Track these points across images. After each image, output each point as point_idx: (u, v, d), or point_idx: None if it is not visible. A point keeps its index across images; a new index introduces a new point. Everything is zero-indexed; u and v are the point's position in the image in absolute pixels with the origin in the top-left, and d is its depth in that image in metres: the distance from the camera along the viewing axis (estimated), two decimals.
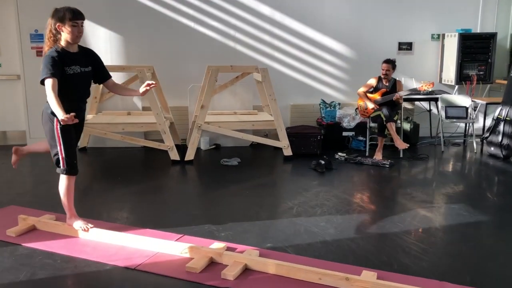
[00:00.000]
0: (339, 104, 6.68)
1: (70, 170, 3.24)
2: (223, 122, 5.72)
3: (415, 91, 5.82)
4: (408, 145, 5.67)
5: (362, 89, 6.05)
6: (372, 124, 6.06)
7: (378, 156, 5.73)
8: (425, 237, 3.40)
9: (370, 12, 6.84)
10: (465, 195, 4.54)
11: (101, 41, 6.40)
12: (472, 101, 6.42)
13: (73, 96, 3.15)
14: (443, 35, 6.98)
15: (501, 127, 5.75)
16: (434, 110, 6.98)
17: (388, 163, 5.46)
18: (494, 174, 5.39)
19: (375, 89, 5.93)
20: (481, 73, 6.77)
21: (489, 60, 6.77)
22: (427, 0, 6.89)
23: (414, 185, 4.80)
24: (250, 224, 3.64)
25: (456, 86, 6.86)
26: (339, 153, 5.86)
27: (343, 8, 6.80)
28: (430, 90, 5.66)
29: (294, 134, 6.00)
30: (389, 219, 3.76)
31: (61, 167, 3.21)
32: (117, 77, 6.05)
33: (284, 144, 5.73)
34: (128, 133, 5.75)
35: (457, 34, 6.68)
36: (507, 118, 5.71)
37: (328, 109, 6.53)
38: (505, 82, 6.88)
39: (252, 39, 6.68)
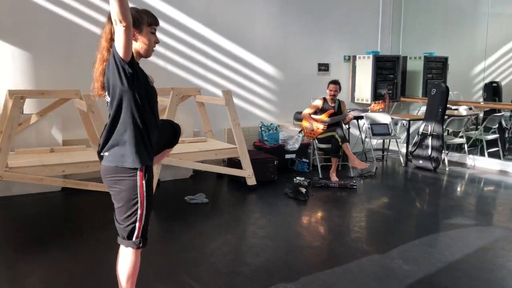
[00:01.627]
0: (278, 126, 6.47)
1: (144, 241, 2.32)
2: (183, 153, 4.95)
3: (366, 111, 6.00)
4: (368, 164, 5.80)
5: (307, 111, 5.98)
6: (323, 146, 6.01)
7: (333, 177, 5.69)
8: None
9: (294, 34, 6.85)
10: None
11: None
12: (392, 118, 6.93)
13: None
14: (354, 56, 7.40)
15: (428, 141, 6.32)
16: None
17: (355, 183, 5.47)
18: (440, 182, 5.88)
19: (322, 110, 5.91)
20: (390, 92, 7.37)
21: (395, 80, 7.43)
22: (338, 24, 7.22)
23: (402, 201, 4.92)
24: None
25: (372, 104, 7.32)
26: (298, 178, 5.64)
27: (270, 29, 6.65)
28: (381, 109, 5.89)
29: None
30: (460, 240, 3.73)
31: (134, 239, 2.28)
32: (32, 104, 4.79)
33: (248, 173, 5.25)
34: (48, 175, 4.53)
35: (371, 56, 7.15)
36: (433, 133, 6.30)
37: (271, 132, 6.26)
38: (409, 99, 7.65)
39: (184, 58, 6.01)
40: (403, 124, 7.24)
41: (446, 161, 6.47)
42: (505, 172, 6.25)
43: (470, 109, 7.40)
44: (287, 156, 6.21)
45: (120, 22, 1.94)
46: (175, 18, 5.87)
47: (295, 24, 6.84)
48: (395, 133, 6.94)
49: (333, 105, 5.92)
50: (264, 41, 6.60)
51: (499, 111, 6.94)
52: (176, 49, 5.94)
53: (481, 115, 6.79)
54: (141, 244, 2.29)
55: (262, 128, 6.31)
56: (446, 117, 6.42)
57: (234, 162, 5.54)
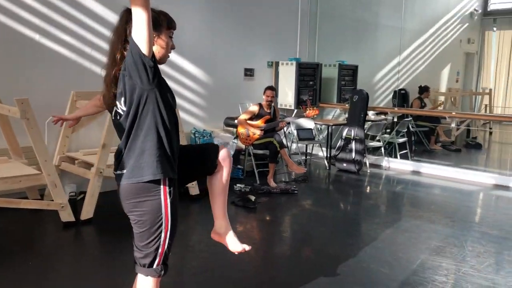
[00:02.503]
0: (212, 132, 6.30)
1: (166, 268, 2.06)
2: None
3: (301, 117, 6.10)
4: (305, 169, 5.89)
5: (243, 116, 5.92)
6: (260, 151, 5.98)
7: (271, 182, 5.70)
8: None
9: (221, 38, 6.74)
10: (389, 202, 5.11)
11: None
12: (315, 123, 7.17)
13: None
14: (277, 62, 7.51)
15: (352, 145, 6.66)
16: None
17: (296, 188, 5.53)
18: (370, 183, 6.21)
19: (258, 116, 5.90)
20: (310, 98, 7.62)
21: (315, 87, 7.70)
22: (262, 30, 7.28)
23: (341, 203, 5.08)
24: None
25: (295, 110, 7.50)
26: (238, 185, 5.55)
27: (200, 33, 6.45)
28: (315, 115, 6.04)
29: None
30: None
31: (155, 266, 2.01)
32: None
33: (192, 183, 5.00)
34: None
35: (294, 62, 7.32)
36: (356, 137, 6.65)
37: (205, 138, 6.07)
38: (327, 105, 7.99)
39: None
40: (319, 128, 7.55)
41: (367, 164, 6.87)
42: (418, 172, 6.83)
43: (378, 114, 7.99)
44: None
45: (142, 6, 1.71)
46: (103, 15, 5.40)
47: (223, 29, 6.74)
48: (319, 138, 7.20)
49: (269, 111, 5.94)
50: (193, 45, 6.39)
51: (407, 116, 7.57)
52: (104, 50, 5.45)
53: (395, 119, 7.33)
54: (162, 272, 2.04)
55: (196, 134, 6.09)
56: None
57: None
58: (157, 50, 1.96)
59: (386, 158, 7.17)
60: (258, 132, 5.81)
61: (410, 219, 4.62)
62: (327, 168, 6.92)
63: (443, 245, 3.89)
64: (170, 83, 6.22)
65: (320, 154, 7.58)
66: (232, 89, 6.96)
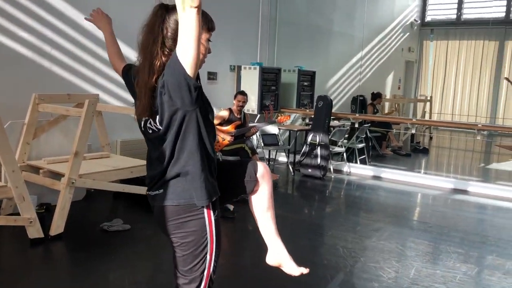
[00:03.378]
0: None
1: None
2: (95, 173, 4.20)
3: (272, 123, 5.99)
4: (278, 175, 5.78)
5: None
6: (230, 158, 5.79)
7: None
8: None
9: None
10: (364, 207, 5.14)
11: None
12: (279, 128, 7.11)
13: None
14: (239, 66, 7.37)
15: (317, 151, 6.66)
16: None
17: None
18: (337, 188, 6.23)
19: (228, 121, 5.73)
20: (272, 103, 7.55)
21: (277, 92, 7.64)
22: (224, 34, 7.11)
23: (326, 204, 5.04)
24: None
25: (258, 115, 7.39)
26: None
27: None
28: (287, 121, 5.95)
29: None
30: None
31: None
32: None
33: None
34: None
35: (257, 67, 7.21)
36: (321, 143, 6.67)
37: None
38: (288, 110, 7.97)
39: (74, 59, 5.13)
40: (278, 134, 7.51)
41: (332, 169, 6.91)
42: (379, 177, 6.97)
43: (336, 119, 8.09)
44: None
45: (191, 1, 1.45)
46: (63, 11, 4.98)
47: None
48: (283, 143, 7.14)
49: (239, 116, 5.78)
50: None
51: (366, 122, 7.73)
52: (65, 49, 5.04)
53: (356, 125, 7.44)
54: None
55: None
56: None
57: (138, 180, 4.90)
58: None
59: (347, 163, 7.25)
60: (228, 138, 5.64)
61: (389, 226, 4.66)
62: (292, 173, 6.87)
63: (430, 251, 3.95)
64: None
65: (282, 159, 7.54)
66: None
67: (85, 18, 2.33)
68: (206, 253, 1.77)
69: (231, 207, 4.73)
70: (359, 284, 3.23)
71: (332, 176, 6.82)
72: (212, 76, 6.98)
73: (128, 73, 1.96)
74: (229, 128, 5.70)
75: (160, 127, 1.67)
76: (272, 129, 6.99)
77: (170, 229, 1.76)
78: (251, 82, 7.27)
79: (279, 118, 5.85)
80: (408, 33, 13.29)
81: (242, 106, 5.76)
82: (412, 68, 14.08)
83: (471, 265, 3.68)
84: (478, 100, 13.73)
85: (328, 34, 9.69)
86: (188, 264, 1.77)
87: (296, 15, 8.72)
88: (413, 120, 7.77)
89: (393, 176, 6.94)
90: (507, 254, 3.96)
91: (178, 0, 1.48)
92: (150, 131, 1.73)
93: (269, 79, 7.47)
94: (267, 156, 7.35)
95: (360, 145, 7.59)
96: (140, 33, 1.73)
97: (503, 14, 13.32)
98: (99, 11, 2.24)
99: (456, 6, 13.88)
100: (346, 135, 7.41)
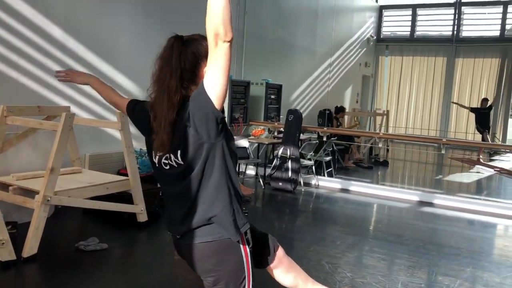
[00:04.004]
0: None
1: None
2: (70, 189, 3.98)
3: (248, 136, 5.94)
4: (253, 190, 5.72)
5: None
6: None
7: None
8: None
9: (155, 53, 6.33)
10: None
11: None
12: (249, 141, 7.07)
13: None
14: None
15: (288, 164, 6.68)
16: None
17: (245, 209, 5.35)
18: (309, 201, 6.24)
19: None
20: (242, 115, 7.51)
21: (246, 105, 7.61)
22: None
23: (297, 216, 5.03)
24: None
25: (245, 128, 7.31)
26: None
27: (134, 44, 6.00)
28: (261, 135, 5.93)
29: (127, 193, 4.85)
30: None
31: None
32: None
33: (140, 208, 4.57)
34: None
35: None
36: (292, 156, 6.69)
37: (143, 158, 5.60)
38: (256, 123, 7.96)
39: (41, 69, 4.88)
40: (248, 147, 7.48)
41: (302, 182, 6.94)
42: (347, 190, 7.08)
43: (302, 133, 8.16)
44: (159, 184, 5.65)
45: (225, 35, 1.45)
46: (30, 18, 4.73)
47: (157, 41, 6.34)
48: (253, 157, 7.11)
49: None
50: (127, 57, 5.91)
51: (333, 136, 7.84)
52: (33, 58, 4.78)
53: (325, 139, 7.52)
54: None
55: (135, 154, 5.59)
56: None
57: (113, 196, 4.71)
58: None
59: (315, 176, 7.31)
60: None
61: (368, 239, 4.72)
62: (263, 187, 6.84)
63: (412, 265, 4.01)
64: (101, 99, 5.66)
65: (250, 172, 7.50)
66: None
67: (59, 80, 2.26)
68: (245, 278, 1.73)
69: None
70: None
71: (302, 190, 6.84)
72: None
73: (135, 109, 1.89)
74: None
75: (182, 162, 1.60)
76: (242, 142, 6.95)
77: (207, 268, 1.69)
78: None
79: (254, 131, 5.82)
80: (365, 49, 13.71)
81: None
82: (369, 82, 14.51)
83: (452, 277, 3.77)
84: (431, 114, 14.32)
85: (292, 48, 9.81)
86: None
87: (263, 29, 8.76)
88: (380, 134, 7.96)
89: (360, 189, 7.06)
90: (482, 266, 4.10)
91: (210, 35, 1.46)
92: (167, 167, 1.66)
93: (239, 92, 7.44)
94: (243, 170, 7.30)
95: (328, 158, 7.68)
96: (155, 66, 1.68)
97: (451, 33, 14.02)
98: (68, 71, 2.19)
99: (409, 23, 14.48)
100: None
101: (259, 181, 6.99)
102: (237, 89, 7.39)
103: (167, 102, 1.60)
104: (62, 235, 4.32)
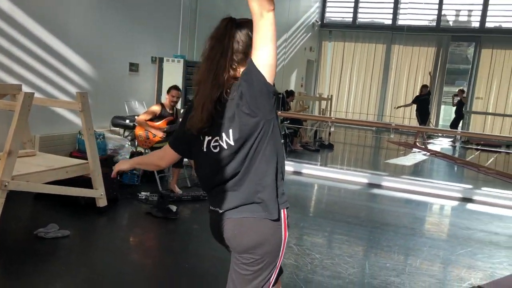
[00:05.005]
0: (104, 133, 5.58)
1: None
2: (28, 174, 3.73)
3: None
4: None
5: (143, 117, 5.44)
6: None
7: (175, 188, 5.35)
8: None
9: (109, 28, 6.05)
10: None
11: None
12: None
13: None
14: (161, 58, 7.07)
15: None
16: None
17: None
18: None
19: (160, 117, 5.48)
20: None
21: None
22: (146, 24, 6.77)
23: None
24: None
25: (182, 111, 7.15)
26: (143, 193, 5.07)
27: (87, 19, 5.68)
28: None
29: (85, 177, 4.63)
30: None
31: None
32: None
33: (100, 192, 4.38)
34: None
35: (181, 60, 6.98)
36: None
37: (98, 140, 5.35)
38: None
39: None
40: None
41: None
42: (299, 173, 7.21)
43: None
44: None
45: (269, 4, 1.45)
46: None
47: (110, 17, 6.05)
48: None
49: (171, 112, 5.55)
50: (79, 33, 5.59)
51: (285, 119, 7.92)
52: None
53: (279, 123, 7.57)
54: None
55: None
56: None
57: (68, 180, 4.46)
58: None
59: None
60: (160, 134, 5.39)
61: (328, 221, 4.85)
62: None
63: (374, 246, 4.19)
64: (52, 75, 5.53)
65: None
66: (117, 85, 6.32)
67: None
68: (274, 267, 1.73)
69: (174, 208, 4.55)
70: (325, 282, 3.32)
71: None
72: (133, 67, 6.61)
73: (181, 143, 1.82)
74: (160, 123, 5.46)
75: (233, 143, 1.59)
76: None
77: (247, 245, 1.67)
78: (174, 76, 7.02)
79: None
80: (310, 33, 13.89)
81: (176, 102, 5.54)
82: (313, 67, 14.76)
83: (413, 257, 3.98)
84: (370, 99, 14.88)
85: None
86: (254, 279, 1.69)
87: (215, 8, 8.59)
88: (333, 118, 8.15)
89: (312, 171, 7.21)
90: (437, 245, 4.36)
91: (254, 7, 1.45)
92: (216, 150, 1.63)
93: (192, 73, 7.27)
94: None
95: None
96: (205, 45, 1.68)
97: (390, 21, 14.57)
98: (114, 173, 2.09)
99: (352, 10, 14.84)
100: None
101: None
102: (191, 70, 7.22)
103: (212, 81, 1.59)
104: (17, 223, 4.05)
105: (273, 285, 1.75)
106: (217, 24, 1.67)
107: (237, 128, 1.57)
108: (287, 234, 1.72)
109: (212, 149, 1.64)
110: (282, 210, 1.69)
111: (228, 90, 1.59)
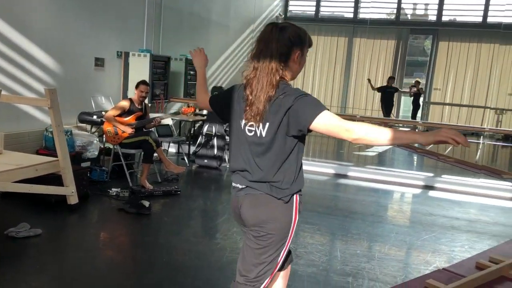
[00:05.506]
0: (71, 130, 5.48)
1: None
2: (0, 172, 3.66)
3: (177, 114, 5.81)
4: (184, 168, 5.65)
5: (111, 113, 5.39)
6: (132, 151, 5.50)
7: (146, 184, 5.34)
8: None
9: (73, 22, 5.92)
10: None
11: None
12: (172, 119, 6.96)
13: None
14: (126, 53, 6.98)
15: (214, 141, 6.71)
16: None
17: (178, 188, 5.29)
18: (224, 178, 6.34)
19: (128, 112, 5.45)
20: (163, 92, 7.33)
21: (166, 81, 7.43)
22: (111, 17, 6.67)
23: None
24: None
25: (149, 105, 7.09)
26: (113, 189, 5.03)
27: (50, 13, 5.54)
28: (191, 113, 5.84)
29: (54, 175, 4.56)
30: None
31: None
32: None
33: (71, 190, 4.34)
34: None
35: (148, 54, 6.92)
36: (218, 134, 6.73)
37: (66, 137, 5.25)
38: (177, 100, 7.83)
39: None
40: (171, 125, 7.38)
41: (227, 159, 7.02)
42: None
43: None
44: (83, 164, 5.39)
45: (352, 140, 1.80)
46: None
47: (74, 13, 5.92)
48: (177, 135, 7.01)
49: (140, 107, 5.52)
50: (44, 27, 5.45)
51: None
52: None
53: None
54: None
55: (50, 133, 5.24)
56: None
57: (37, 178, 4.39)
58: (297, 68, 1.96)
59: None
60: (128, 130, 5.36)
61: (302, 212, 4.96)
62: (187, 165, 6.81)
63: (344, 234, 4.34)
64: (16, 72, 5.41)
65: (172, 150, 7.41)
66: (83, 81, 6.21)
67: (190, 51, 2.42)
68: (282, 246, 1.94)
69: (147, 204, 4.56)
70: (300, 270, 3.42)
71: (227, 166, 6.93)
72: (99, 62, 6.50)
73: (217, 102, 2.12)
74: (129, 119, 5.42)
75: (264, 135, 1.84)
76: (166, 120, 6.81)
77: (260, 218, 1.89)
78: (140, 70, 6.95)
79: (184, 109, 5.74)
80: None
81: (145, 97, 5.51)
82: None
83: (381, 243, 4.15)
84: (333, 92, 15.15)
85: (208, 23, 9.71)
86: (261, 254, 1.90)
87: (180, 2, 8.54)
88: None
89: None
90: (403, 231, 4.56)
91: (345, 133, 1.79)
92: (251, 133, 1.88)
93: (159, 68, 7.24)
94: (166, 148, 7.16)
95: None
96: (254, 47, 1.91)
97: (352, 15, 14.86)
98: (202, 50, 2.34)
99: (314, 3, 15.02)
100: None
101: (183, 159, 6.94)
102: (157, 64, 7.18)
103: (268, 81, 1.82)
104: None
105: (281, 269, 1.97)
106: (263, 28, 1.91)
107: (272, 126, 1.83)
108: (297, 218, 1.95)
109: (248, 132, 1.88)
110: (295, 195, 1.92)
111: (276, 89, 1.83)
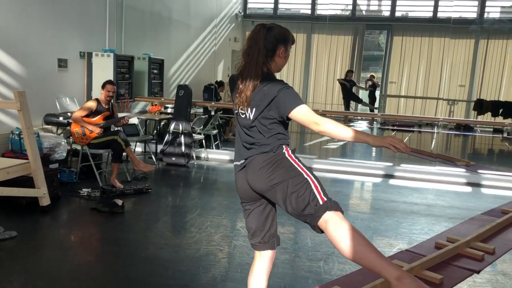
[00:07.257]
0: (39, 132, 5.44)
1: (335, 202, 2.20)
2: None
3: (144, 113, 5.86)
4: (154, 166, 5.71)
5: (79, 113, 5.41)
6: (101, 151, 5.52)
7: (116, 183, 5.39)
8: None
9: (35, 22, 5.86)
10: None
11: None
12: (138, 118, 6.98)
13: None
14: (90, 53, 6.95)
15: (181, 139, 6.80)
16: None
17: (149, 186, 5.36)
18: (209, 174, 6.46)
19: (96, 113, 5.47)
20: (127, 91, 7.34)
21: (131, 80, 7.44)
22: (73, 17, 6.63)
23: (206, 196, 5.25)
24: None
25: (130, 104, 7.09)
26: (84, 189, 5.06)
27: (10, 13, 5.46)
28: (158, 111, 5.90)
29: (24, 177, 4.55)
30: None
31: (321, 203, 2.14)
32: None
33: (43, 191, 4.35)
34: None
35: (111, 54, 6.91)
36: (184, 131, 6.82)
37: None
38: (142, 99, 7.86)
39: None
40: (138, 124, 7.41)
41: (194, 156, 7.12)
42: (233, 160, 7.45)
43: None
44: (51, 166, 5.36)
45: (318, 131, 2.15)
46: None
47: (35, 13, 5.86)
48: (143, 134, 7.04)
49: (107, 107, 5.55)
50: (4, 27, 5.38)
51: (219, 110, 8.12)
52: None
53: (213, 113, 7.76)
54: (333, 205, 2.16)
55: (21, 135, 5.19)
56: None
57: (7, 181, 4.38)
58: (282, 63, 2.29)
59: (205, 149, 7.55)
60: (97, 130, 5.39)
61: None
62: (155, 163, 6.86)
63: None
64: None
65: (138, 149, 7.43)
66: (47, 82, 6.16)
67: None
68: (304, 180, 2.16)
69: (120, 202, 4.62)
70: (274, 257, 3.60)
71: (195, 163, 7.05)
72: (62, 63, 6.45)
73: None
74: (97, 119, 5.45)
75: (251, 118, 2.19)
76: (132, 119, 6.83)
77: (265, 175, 2.17)
78: (104, 70, 6.93)
79: (150, 107, 5.81)
80: (234, 24, 14.10)
81: (112, 97, 5.55)
82: (237, 57, 14.98)
83: None
84: (293, 86, 15.42)
85: (169, 22, 9.74)
86: (294, 199, 2.15)
87: (141, 1, 8.54)
88: None
89: None
90: (368, 217, 4.83)
91: (313, 125, 2.15)
92: (243, 116, 2.25)
93: (123, 67, 7.24)
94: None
95: (215, 132, 7.96)
96: (245, 44, 2.24)
97: (310, 11, 15.19)
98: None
99: (273, 0, 15.25)
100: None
101: (150, 158, 6.99)
102: (121, 63, 7.18)
103: (255, 72, 2.16)
104: None
105: (328, 206, 2.13)
106: (253, 28, 2.24)
107: (257, 111, 2.17)
108: (295, 160, 2.21)
109: (240, 114, 2.26)
110: (283, 146, 2.22)
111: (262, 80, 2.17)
